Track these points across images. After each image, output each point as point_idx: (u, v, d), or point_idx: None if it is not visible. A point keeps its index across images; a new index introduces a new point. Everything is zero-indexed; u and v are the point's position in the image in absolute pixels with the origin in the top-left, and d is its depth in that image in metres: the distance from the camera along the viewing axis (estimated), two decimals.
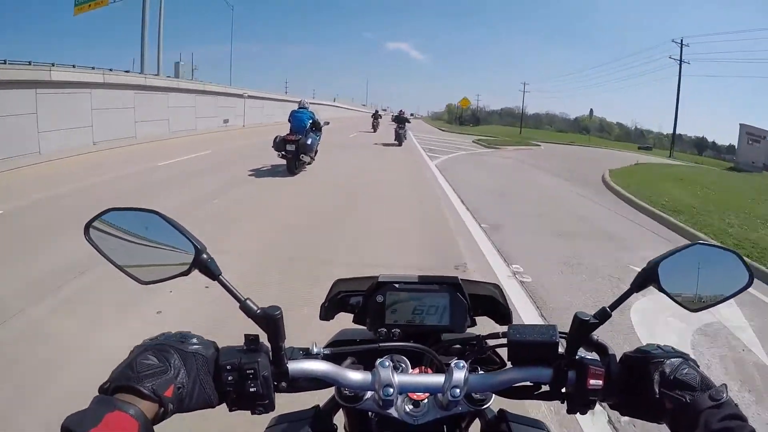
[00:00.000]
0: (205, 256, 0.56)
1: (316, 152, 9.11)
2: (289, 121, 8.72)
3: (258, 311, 0.55)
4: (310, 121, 8.63)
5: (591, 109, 38.88)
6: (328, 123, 9.75)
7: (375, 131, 22.22)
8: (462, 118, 64.41)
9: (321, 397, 0.67)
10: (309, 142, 8.21)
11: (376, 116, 23.62)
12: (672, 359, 0.55)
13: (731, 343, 2.95)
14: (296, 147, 7.99)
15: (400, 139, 16.44)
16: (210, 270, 0.56)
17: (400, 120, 17.20)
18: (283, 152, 8.07)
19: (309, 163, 8.80)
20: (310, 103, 9.41)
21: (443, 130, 38.91)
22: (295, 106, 8.96)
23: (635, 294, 0.60)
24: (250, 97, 22.13)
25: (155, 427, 0.46)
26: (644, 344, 0.59)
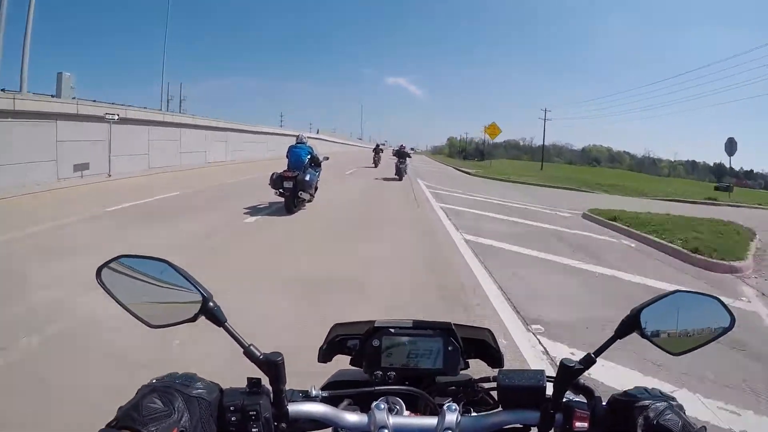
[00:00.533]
0: (211, 304, 0.59)
1: (316, 188, 8.66)
2: (287, 156, 8.39)
3: (261, 356, 0.58)
4: (309, 157, 8.27)
5: (731, 140, 18.16)
6: (327, 158, 9.35)
7: (376, 166, 21.23)
8: (466, 152, 62.70)
9: None
10: (308, 178, 7.78)
11: (377, 150, 22.74)
12: (657, 404, 0.54)
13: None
14: (294, 184, 7.56)
15: (400, 173, 16.37)
16: (216, 317, 0.59)
17: (401, 155, 17.16)
18: (280, 190, 7.61)
19: (309, 201, 8.33)
20: (308, 137, 9.02)
21: (465, 172, 25.72)
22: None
23: None
24: (126, 121, 12.23)
25: None
26: (632, 387, 0.59)
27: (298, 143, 8.45)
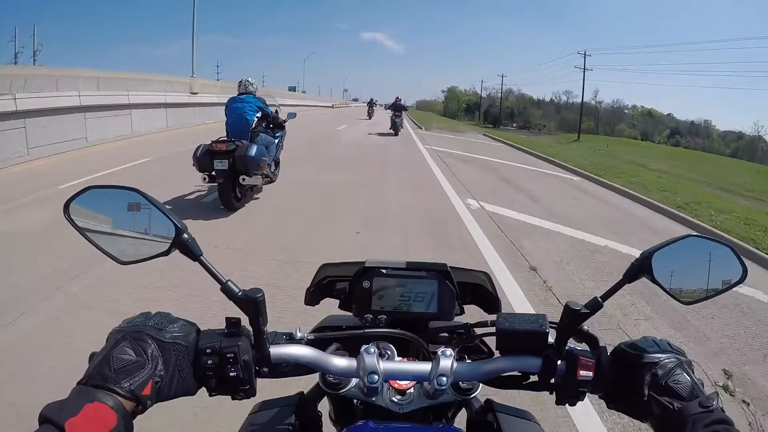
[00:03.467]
0: (185, 236, 0.53)
1: (277, 164, 5.67)
2: (225, 115, 5.25)
3: (239, 293, 0.53)
4: (258, 115, 5.14)
5: None
6: (294, 115, 6.21)
7: (370, 118, 22.91)
8: (498, 117, 36.51)
9: (306, 384, 0.67)
10: (254, 152, 4.63)
11: (371, 104, 25.68)
12: (665, 360, 0.52)
13: None
14: (231, 163, 4.52)
15: (396, 127, 15.09)
16: (191, 250, 0.53)
17: (397, 108, 15.74)
18: (211, 173, 4.62)
19: (270, 182, 5.36)
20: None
21: None
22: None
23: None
24: None
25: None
26: (640, 337, 0.57)
27: (240, 94, 5.24)
